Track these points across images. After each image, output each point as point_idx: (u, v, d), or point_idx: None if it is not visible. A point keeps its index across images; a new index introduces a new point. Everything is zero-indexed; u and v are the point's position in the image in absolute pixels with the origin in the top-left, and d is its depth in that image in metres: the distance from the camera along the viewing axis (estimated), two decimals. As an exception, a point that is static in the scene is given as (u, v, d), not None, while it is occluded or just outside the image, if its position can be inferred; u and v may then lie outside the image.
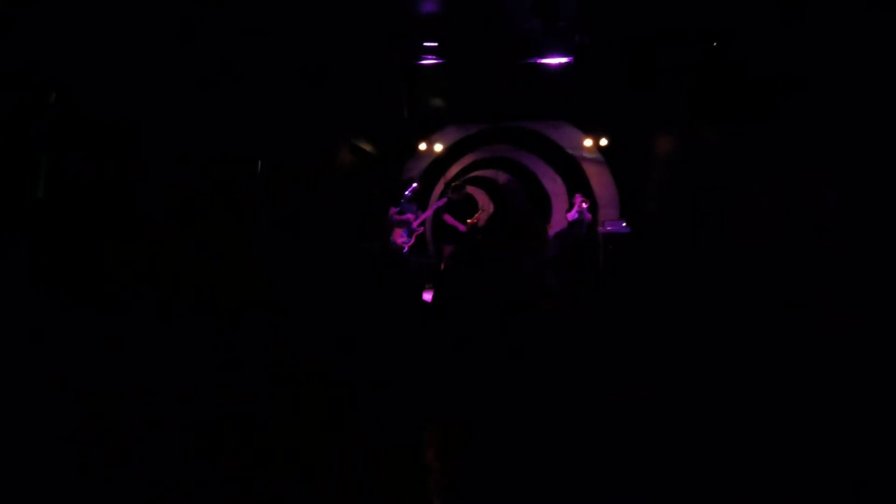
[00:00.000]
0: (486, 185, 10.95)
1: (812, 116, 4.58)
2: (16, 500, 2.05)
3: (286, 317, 3.34)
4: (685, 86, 6.62)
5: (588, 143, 9.43)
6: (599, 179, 9.55)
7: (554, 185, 10.07)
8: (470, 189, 9.28)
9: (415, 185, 9.00)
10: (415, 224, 8.31)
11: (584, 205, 8.80)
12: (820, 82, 4.50)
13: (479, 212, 9.14)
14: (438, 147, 9.77)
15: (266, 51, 5.39)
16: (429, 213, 8.66)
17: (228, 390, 2.79)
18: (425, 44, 7.43)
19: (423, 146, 9.71)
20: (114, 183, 3.98)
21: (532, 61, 7.79)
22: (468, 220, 8.66)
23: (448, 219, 8.38)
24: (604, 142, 9.32)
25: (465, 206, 8.60)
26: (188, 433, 2.43)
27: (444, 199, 8.86)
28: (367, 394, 2.83)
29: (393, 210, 8.32)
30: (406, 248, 8.20)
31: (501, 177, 10.36)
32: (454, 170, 10.12)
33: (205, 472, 2.20)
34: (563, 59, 7.67)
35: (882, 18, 3.96)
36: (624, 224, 8.65)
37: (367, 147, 8.70)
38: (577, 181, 9.56)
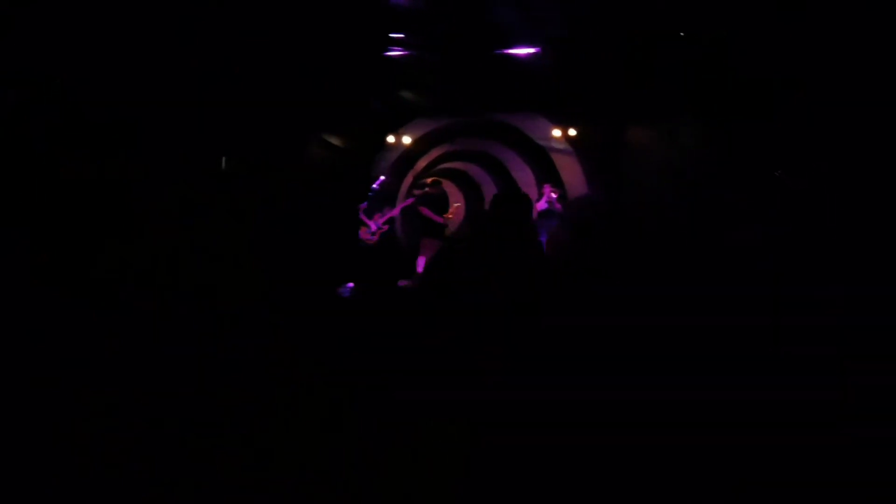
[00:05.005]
0: (456, 177, 11.00)
1: (799, 116, 4.59)
2: (16, 500, 2.06)
3: (286, 317, 3.34)
4: (660, 80, 6.61)
5: (557, 133, 9.45)
6: (569, 170, 9.54)
7: (523, 175, 10.06)
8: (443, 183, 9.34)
9: (382, 178, 8.93)
10: (380, 221, 8.29)
11: (553, 195, 8.80)
12: (805, 80, 4.52)
13: (455, 205, 9.16)
14: (407, 140, 9.66)
15: (235, 45, 5.32)
16: (395, 211, 8.61)
17: (228, 390, 2.79)
18: (394, 35, 7.33)
19: (391, 139, 9.64)
20: (114, 183, 3.98)
21: (503, 52, 7.72)
22: (446, 214, 8.72)
23: (425, 211, 8.39)
24: (573, 132, 9.33)
25: (440, 200, 8.63)
26: (188, 433, 2.44)
27: (412, 198, 8.88)
28: (367, 394, 2.84)
29: (362, 206, 8.29)
30: (372, 242, 8.16)
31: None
32: (423, 163, 10.03)
33: (205, 472, 2.21)
34: (534, 50, 7.61)
35: (881, 19, 3.97)
36: None
37: (336, 141, 8.62)
38: (546, 172, 9.56)
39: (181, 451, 2.33)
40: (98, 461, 2.23)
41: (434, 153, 10.30)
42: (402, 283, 8.15)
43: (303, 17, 5.75)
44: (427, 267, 8.17)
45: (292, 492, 2.14)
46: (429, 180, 9.04)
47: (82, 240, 3.63)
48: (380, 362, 3.21)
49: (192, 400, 2.68)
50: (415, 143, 9.84)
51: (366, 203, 8.46)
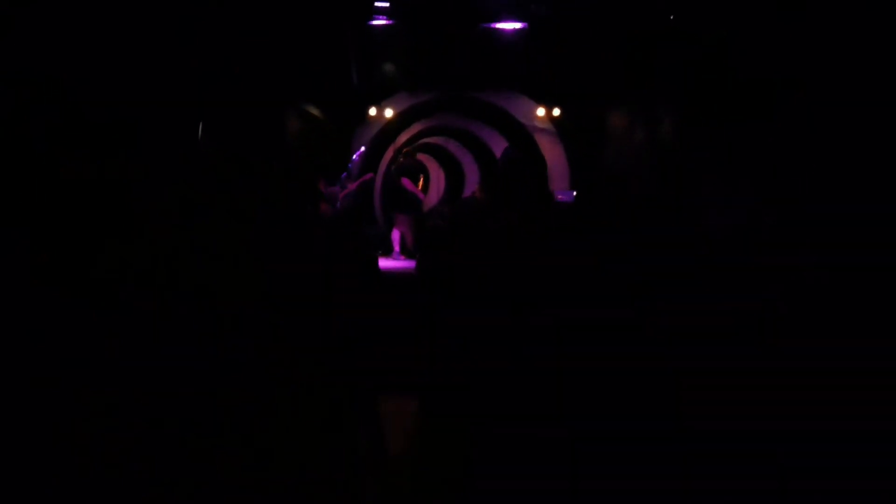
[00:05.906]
0: (435, 152, 10.98)
1: (799, 116, 4.60)
2: (16, 500, 2.06)
3: (286, 317, 3.34)
4: (657, 79, 6.63)
5: (541, 112, 9.42)
6: (551, 151, 9.53)
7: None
8: (420, 156, 9.31)
9: (362, 148, 8.87)
10: (340, 196, 8.19)
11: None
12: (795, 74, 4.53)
13: (421, 177, 9.18)
14: (389, 113, 9.62)
15: (233, 39, 5.30)
16: (354, 186, 8.50)
17: (228, 390, 2.79)
18: (377, 4, 7.25)
19: (373, 112, 9.52)
20: (114, 183, 3.98)
21: (487, 26, 7.67)
22: (418, 185, 8.72)
23: (407, 184, 8.29)
24: (556, 112, 9.30)
25: (414, 171, 8.59)
26: (188, 433, 2.43)
27: (370, 175, 8.83)
28: (367, 394, 2.84)
29: (321, 183, 8.21)
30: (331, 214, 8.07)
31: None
32: (404, 137, 10.02)
33: (205, 472, 2.21)
34: (518, 25, 7.57)
35: (881, 19, 3.97)
36: (575, 194, 8.61)
37: (317, 113, 8.54)
38: (529, 151, 9.55)
39: (181, 451, 2.32)
40: (98, 461, 2.23)
41: (415, 128, 10.32)
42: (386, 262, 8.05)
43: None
44: (419, 256, 8.13)
45: (292, 492, 2.14)
46: (403, 150, 9.03)
47: (82, 240, 3.63)
48: (380, 361, 3.21)
49: (192, 400, 2.68)
50: (396, 116, 9.79)
51: (345, 174, 8.38)
